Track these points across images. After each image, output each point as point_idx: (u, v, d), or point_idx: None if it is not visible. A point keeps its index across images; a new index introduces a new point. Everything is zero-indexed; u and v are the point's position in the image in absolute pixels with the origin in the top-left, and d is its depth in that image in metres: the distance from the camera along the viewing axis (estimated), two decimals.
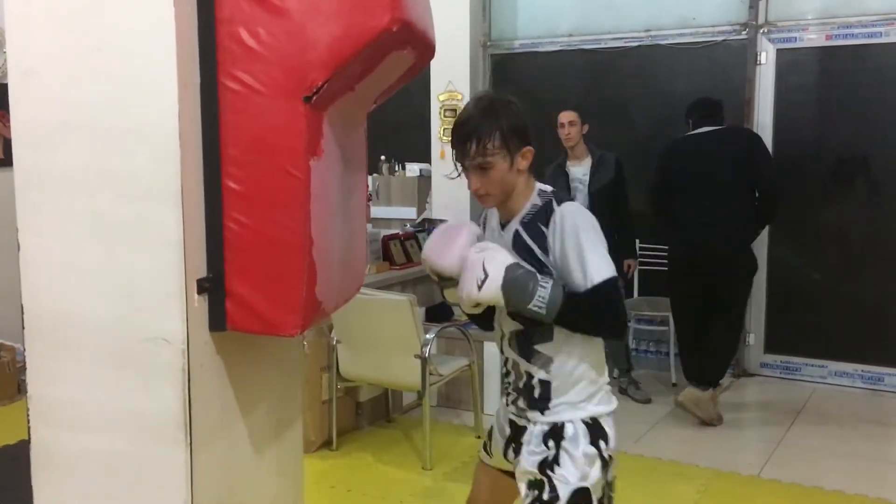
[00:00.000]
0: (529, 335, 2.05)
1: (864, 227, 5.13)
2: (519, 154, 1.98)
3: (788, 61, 5.23)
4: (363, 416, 4.49)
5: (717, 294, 4.48)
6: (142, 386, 1.78)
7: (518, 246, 2.01)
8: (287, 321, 1.79)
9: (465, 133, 1.96)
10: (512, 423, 2.17)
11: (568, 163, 4.84)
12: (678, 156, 4.61)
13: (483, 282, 1.90)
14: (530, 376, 2.08)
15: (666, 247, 5.03)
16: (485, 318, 2.19)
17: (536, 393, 2.06)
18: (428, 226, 5.23)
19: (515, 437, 2.15)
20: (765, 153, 4.52)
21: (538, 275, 1.92)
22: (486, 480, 2.33)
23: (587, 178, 4.78)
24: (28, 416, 1.91)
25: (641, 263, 5.48)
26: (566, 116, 4.78)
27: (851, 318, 5.15)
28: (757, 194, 4.44)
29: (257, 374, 2.01)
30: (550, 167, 4.83)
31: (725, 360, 4.62)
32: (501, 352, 2.18)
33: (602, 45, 5.75)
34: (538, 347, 2.04)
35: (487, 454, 2.30)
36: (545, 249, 1.97)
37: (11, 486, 2.33)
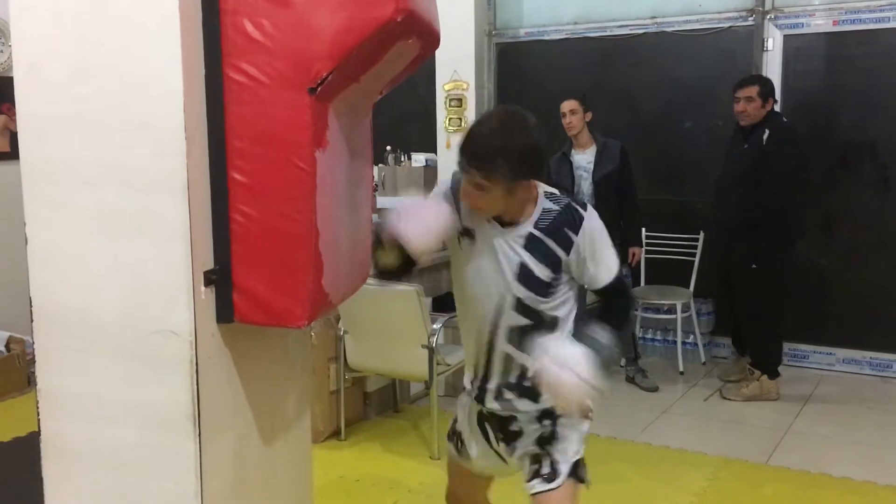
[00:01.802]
0: (534, 329, 2.06)
1: (872, 214, 5.11)
2: (520, 185, 1.96)
3: (795, 47, 5.19)
4: (371, 406, 4.50)
5: None
6: (150, 378, 1.79)
7: (534, 247, 2.03)
8: (294, 312, 1.79)
9: (477, 153, 1.92)
10: (490, 416, 2.19)
11: (573, 151, 4.82)
12: None
13: (597, 386, 1.92)
14: (525, 369, 2.09)
15: (679, 235, 5.05)
16: (398, 274, 2.15)
17: (529, 381, 2.09)
18: None
19: (501, 428, 2.19)
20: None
21: (595, 339, 2.00)
22: (461, 473, 2.37)
23: (591, 166, 4.76)
24: (38, 407, 1.92)
25: (648, 252, 5.47)
26: (567, 105, 4.76)
27: (859, 305, 5.14)
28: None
29: (265, 366, 2.02)
30: (555, 156, 4.82)
31: None
32: (486, 353, 2.13)
33: (608, 33, 5.72)
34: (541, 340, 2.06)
35: (458, 452, 2.32)
36: (568, 251, 2.04)
37: (22, 477, 2.35)
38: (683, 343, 5.29)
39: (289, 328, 1.88)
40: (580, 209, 2.06)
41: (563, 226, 2.03)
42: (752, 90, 4.54)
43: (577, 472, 2.11)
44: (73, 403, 1.87)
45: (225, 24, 1.72)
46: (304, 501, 2.25)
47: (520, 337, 2.08)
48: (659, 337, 5.62)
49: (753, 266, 4.57)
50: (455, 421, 2.35)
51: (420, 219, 1.97)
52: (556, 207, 2.04)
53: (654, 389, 4.89)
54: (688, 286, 5.34)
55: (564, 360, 1.90)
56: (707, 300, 5.47)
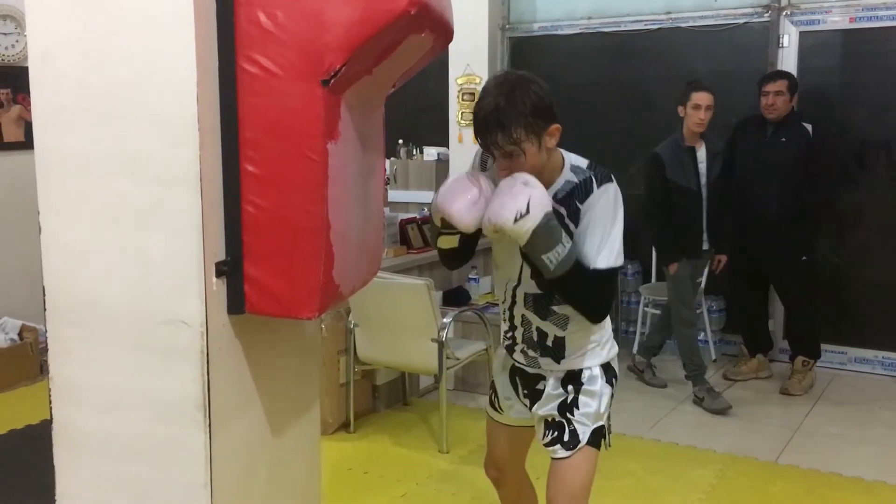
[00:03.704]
0: (549, 297, 2.13)
1: (886, 212, 5.07)
2: (546, 133, 1.98)
3: (811, 44, 5.16)
4: (380, 399, 4.51)
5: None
6: (161, 368, 1.80)
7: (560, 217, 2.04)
8: (304, 304, 1.80)
9: (491, 122, 1.93)
10: (520, 371, 2.26)
11: (691, 145, 4.49)
12: None
13: (522, 216, 1.89)
14: (543, 332, 2.17)
15: None
16: (456, 259, 2.21)
17: (550, 342, 2.16)
18: None
19: (527, 385, 2.26)
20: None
21: (564, 233, 1.97)
22: (500, 436, 2.42)
23: (704, 165, 4.52)
24: (50, 396, 1.93)
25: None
26: (706, 99, 4.35)
27: (872, 304, 5.11)
28: None
29: (275, 357, 2.03)
30: (667, 148, 4.47)
31: None
32: (508, 309, 2.22)
33: (622, 28, 5.70)
34: (556, 308, 2.13)
35: (497, 410, 2.39)
36: (576, 222, 2.03)
37: (34, 464, 2.36)
38: None
39: (299, 319, 1.88)
40: (595, 182, 2.02)
41: (575, 197, 2.03)
42: (783, 84, 4.61)
43: (597, 438, 2.17)
44: (85, 392, 1.88)
45: (238, 15, 1.72)
46: (313, 493, 2.25)
47: (535, 304, 2.15)
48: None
49: (805, 258, 4.67)
50: (492, 377, 2.42)
51: (463, 193, 1.99)
52: (575, 180, 2.05)
53: (663, 386, 4.89)
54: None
55: (537, 196, 1.91)
56: (718, 297, 5.45)
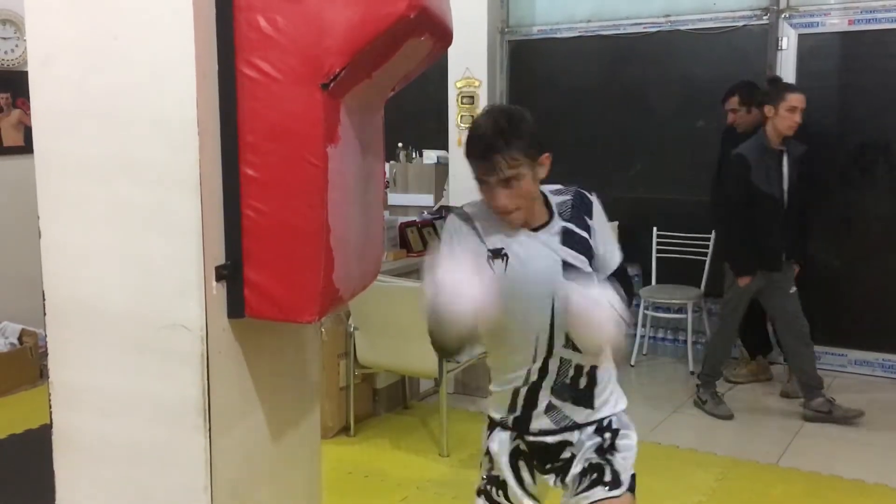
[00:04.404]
0: None
1: (886, 215, 5.07)
2: (538, 163, 1.91)
3: (810, 46, 5.16)
4: (380, 402, 4.50)
5: None
6: (161, 372, 1.80)
7: (568, 240, 1.97)
8: (304, 308, 1.80)
9: (491, 146, 1.84)
10: (538, 449, 2.06)
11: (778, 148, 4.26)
12: None
13: (619, 322, 1.85)
14: (580, 368, 2.01)
15: (690, 234, 5.03)
16: (462, 349, 1.96)
17: (583, 383, 2.01)
18: (445, 213, 5.21)
19: (550, 459, 2.06)
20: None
21: (617, 287, 1.94)
22: None
23: (786, 170, 4.30)
24: (50, 400, 1.93)
25: (659, 251, 5.46)
26: (802, 101, 4.13)
27: (872, 306, 5.10)
28: None
29: (275, 361, 2.03)
30: (753, 151, 4.21)
31: None
32: (541, 357, 2.00)
33: (621, 31, 5.70)
34: None
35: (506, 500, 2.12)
36: (591, 236, 2.02)
37: (34, 469, 2.36)
38: (694, 343, 5.27)
39: (299, 323, 1.88)
40: (587, 194, 2.07)
41: (580, 212, 2.02)
42: (734, 101, 4.72)
43: (634, 484, 2.03)
44: (85, 396, 1.88)
45: (238, 19, 1.72)
46: (313, 497, 2.25)
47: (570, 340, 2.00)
48: (669, 336, 5.60)
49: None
50: (488, 469, 2.14)
51: (467, 277, 1.77)
52: (567, 198, 2.03)
53: (729, 417, 4.46)
54: (699, 285, 5.32)
55: (594, 295, 1.87)
56: (718, 299, 5.44)
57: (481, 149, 1.85)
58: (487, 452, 2.13)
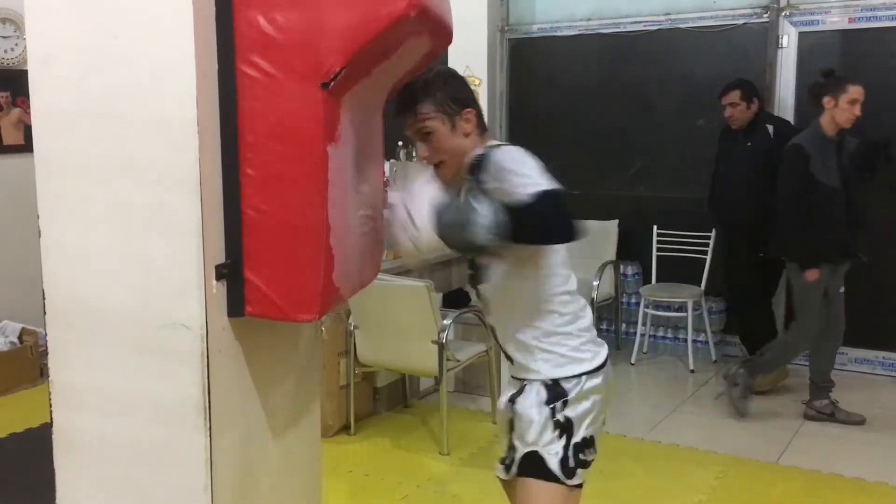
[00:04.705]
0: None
1: (886, 213, 5.07)
2: (458, 117, 2.01)
3: (811, 44, 5.16)
4: (380, 401, 4.51)
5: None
6: (161, 371, 1.79)
7: (473, 192, 1.91)
8: (304, 307, 1.80)
9: (401, 103, 2.02)
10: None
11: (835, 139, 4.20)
12: None
13: (417, 239, 1.84)
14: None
15: (690, 232, 5.03)
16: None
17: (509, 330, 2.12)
18: None
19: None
20: None
21: (471, 202, 1.78)
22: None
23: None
24: (50, 399, 1.93)
25: (659, 249, 5.46)
26: (862, 93, 4.06)
27: (872, 305, 5.10)
28: None
29: (275, 360, 2.02)
30: (810, 137, 4.15)
31: None
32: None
33: (621, 29, 5.70)
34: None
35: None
36: (484, 184, 1.91)
37: (34, 468, 2.36)
38: (694, 341, 5.27)
39: (299, 322, 1.88)
40: (493, 151, 1.96)
41: (479, 167, 1.96)
42: (735, 95, 4.76)
43: (528, 466, 1.96)
44: (85, 396, 1.88)
45: (238, 18, 1.72)
46: (313, 496, 2.25)
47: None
48: (669, 335, 5.61)
49: (761, 255, 4.64)
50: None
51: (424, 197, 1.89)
52: (479, 152, 2.00)
53: (743, 416, 4.42)
54: (699, 284, 5.32)
55: (394, 199, 1.89)
56: (718, 298, 5.45)
57: (395, 106, 2.04)
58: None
